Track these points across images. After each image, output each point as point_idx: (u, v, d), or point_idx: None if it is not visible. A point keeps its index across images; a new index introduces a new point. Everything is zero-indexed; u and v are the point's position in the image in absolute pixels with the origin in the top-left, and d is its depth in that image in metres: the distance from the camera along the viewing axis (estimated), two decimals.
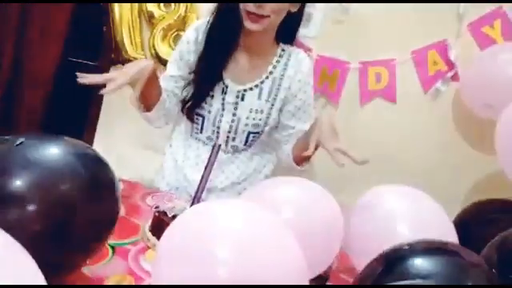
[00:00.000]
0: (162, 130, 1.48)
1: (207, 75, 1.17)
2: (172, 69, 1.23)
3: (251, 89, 1.20)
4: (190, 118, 1.22)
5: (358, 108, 1.58)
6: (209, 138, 1.23)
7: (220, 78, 1.17)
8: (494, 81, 1.29)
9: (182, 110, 1.22)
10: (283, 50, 1.22)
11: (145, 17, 1.61)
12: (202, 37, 1.18)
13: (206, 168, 0.83)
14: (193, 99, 1.19)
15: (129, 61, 1.60)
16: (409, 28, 1.50)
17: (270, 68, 1.20)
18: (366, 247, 0.85)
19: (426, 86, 1.53)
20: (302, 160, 1.19)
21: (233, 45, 1.16)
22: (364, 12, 1.51)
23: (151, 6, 1.57)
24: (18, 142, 0.69)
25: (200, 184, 0.82)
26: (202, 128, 1.23)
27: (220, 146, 0.84)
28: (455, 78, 1.49)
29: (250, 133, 1.22)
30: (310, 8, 1.53)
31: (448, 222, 0.91)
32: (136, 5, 1.59)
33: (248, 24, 1.09)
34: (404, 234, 0.84)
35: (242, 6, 1.10)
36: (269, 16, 1.09)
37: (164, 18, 1.57)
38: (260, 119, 1.20)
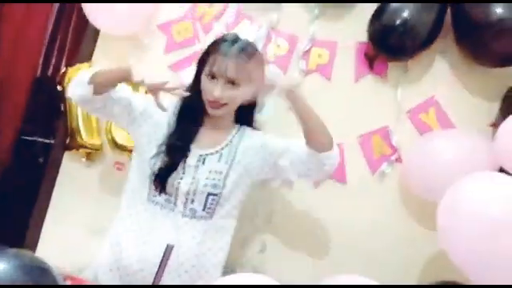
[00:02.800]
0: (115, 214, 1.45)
1: (179, 148, 1.26)
2: (141, 100, 1.30)
3: (212, 154, 1.29)
4: (162, 189, 1.25)
5: (311, 188, 1.64)
6: (167, 200, 1.26)
7: (189, 150, 1.27)
8: (431, 166, 1.39)
9: (154, 183, 1.25)
10: (240, 126, 1.37)
11: None
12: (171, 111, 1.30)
13: (157, 271, 0.82)
14: (165, 170, 1.25)
15: (84, 147, 1.60)
16: (355, 114, 1.62)
17: (230, 138, 1.33)
18: None
19: (373, 168, 1.62)
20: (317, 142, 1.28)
21: (200, 123, 1.31)
22: (313, 100, 1.62)
23: None
24: None
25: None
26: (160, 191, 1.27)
27: (173, 247, 0.83)
28: (399, 160, 1.60)
29: (209, 194, 1.26)
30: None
31: None
32: None
33: (210, 110, 1.27)
34: None
35: (204, 96, 1.26)
36: (227, 104, 1.25)
37: None
38: (219, 179, 1.27)
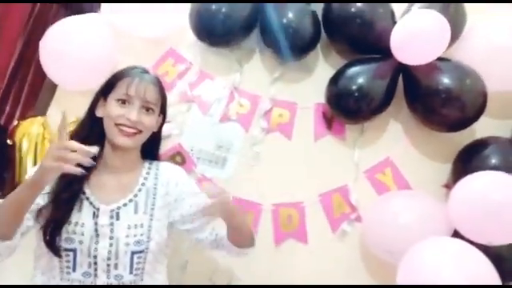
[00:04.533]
0: None
1: (68, 190, 1.09)
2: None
3: (125, 205, 1.14)
4: (56, 253, 1.08)
5: (273, 248, 1.61)
6: (85, 273, 1.09)
7: (81, 192, 1.12)
8: (389, 229, 1.41)
9: (46, 243, 1.07)
10: (150, 163, 1.24)
11: None
12: None
13: None
14: (54, 221, 1.07)
15: None
16: (315, 173, 1.64)
17: (142, 180, 1.20)
18: None
19: (334, 226, 1.62)
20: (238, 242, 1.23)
21: (95, 164, 1.10)
22: (274, 159, 1.63)
23: None
24: None
25: None
26: (74, 265, 1.09)
27: None
28: (359, 219, 1.61)
29: (133, 253, 1.12)
30: (224, 152, 1.64)
31: None
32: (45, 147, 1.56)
33: (121, 140, 1.13)
34: None
35: (111, 122, 1.13)
36: (142, 131, 1.15)
37: None
38: (142, 234, 1.13)
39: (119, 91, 1.16)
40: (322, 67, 1.66)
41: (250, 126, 1.65)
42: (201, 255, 1.58)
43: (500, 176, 1.32)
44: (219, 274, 1.59)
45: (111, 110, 1.15)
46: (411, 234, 1.33)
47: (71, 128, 1.55)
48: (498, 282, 1.13)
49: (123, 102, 1.15)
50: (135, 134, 1.15)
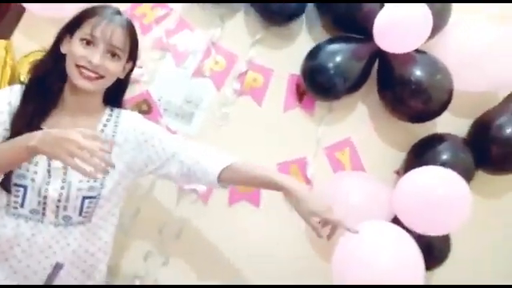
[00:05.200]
0: None
1: (27, 132, 1.02)
2: None
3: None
4: (7, 189, 1.07)
5: (226, 207, 1.66)
6: (34, 211, 1.09)
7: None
8: (337, 206, 1.46)
9: None
10: (112, 110, 1.21)
11: None
12: (16, 98, 1.11)
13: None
14: None
15: None
16: (277, 142, 1.67)
17: (101, 126, 1.17)
18: None
19: None
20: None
21: (54, 100, 1.12)
22: (241, 121, 1.64)
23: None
24: None
25: None
26: (23, 201, 1.08)
27: (62, 265, 0.78)
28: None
29: (84, 198, 1.12)
30: (192, 108, 1.63)
31: None
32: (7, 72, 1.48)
33: (81, 82, 1.08)
34: None
35: (72, 62, 1.08)
36: (104, 77, 1.10)
37: None
38: (95, 180, 1.11)
39: (85, 30, 1.10)
40: (305, 38, 1.65)
41: (223, 86, 1.63)
42: (153, 205, 1.60)
43: (446, 172, 1.40)
44: (170, 226, 1.63)
45: (74, 49, 1.09)
46: (357, 214, 1.41)
47: (35, 58, 1.49)
48: (423, 271, 1.24)
49: (88, 42, 1.09)
50: (97, 78, 1.10)
